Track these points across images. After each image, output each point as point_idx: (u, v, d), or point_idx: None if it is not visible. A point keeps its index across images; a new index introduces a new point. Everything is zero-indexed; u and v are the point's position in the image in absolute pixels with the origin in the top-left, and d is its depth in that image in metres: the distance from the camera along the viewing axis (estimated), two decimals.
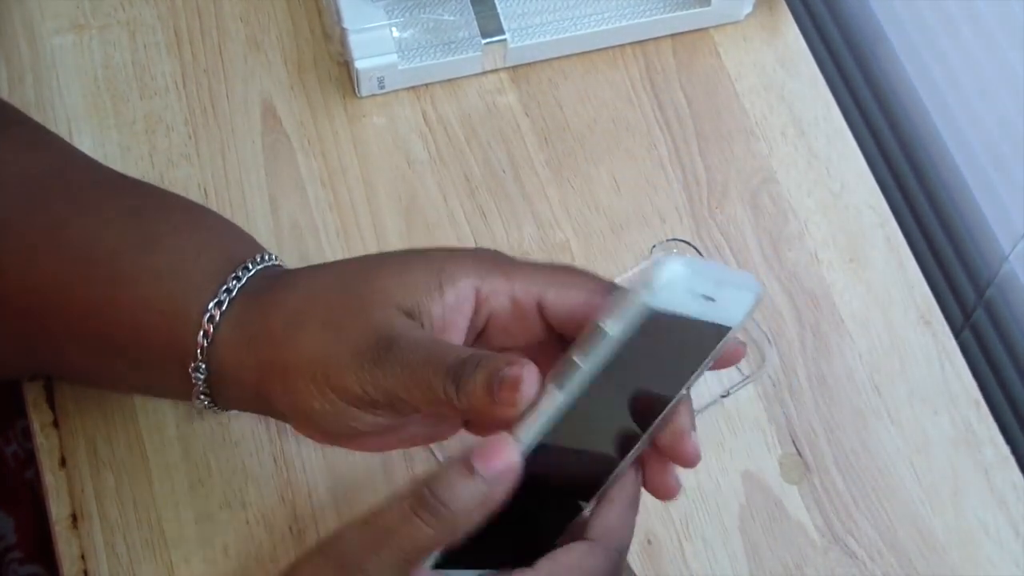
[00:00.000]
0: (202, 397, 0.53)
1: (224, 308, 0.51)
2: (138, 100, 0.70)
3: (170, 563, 0.59)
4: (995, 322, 0.72)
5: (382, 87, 0.70)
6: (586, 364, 0.45)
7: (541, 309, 0.48)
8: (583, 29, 0.71)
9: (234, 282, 0.51)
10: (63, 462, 0.61)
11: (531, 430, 0.45)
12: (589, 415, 0.46)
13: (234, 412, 0.62)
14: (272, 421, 0.62)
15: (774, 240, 0.68)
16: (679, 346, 0.48)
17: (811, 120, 0.71)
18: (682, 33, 0.73)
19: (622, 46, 0.73)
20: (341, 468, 0.61)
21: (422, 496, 0.43)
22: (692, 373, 0.48)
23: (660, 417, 0.48)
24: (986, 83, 0.70)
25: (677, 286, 0.45)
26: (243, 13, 0.73)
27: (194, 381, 0.52)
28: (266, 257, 0.53)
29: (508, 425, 0.45)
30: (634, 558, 0.60)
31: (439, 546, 0.44)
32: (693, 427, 0.48)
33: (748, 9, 0.73)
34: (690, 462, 0.48)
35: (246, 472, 0.61)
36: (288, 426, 0.61)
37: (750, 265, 0.67)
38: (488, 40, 0.70)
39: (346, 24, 0.68)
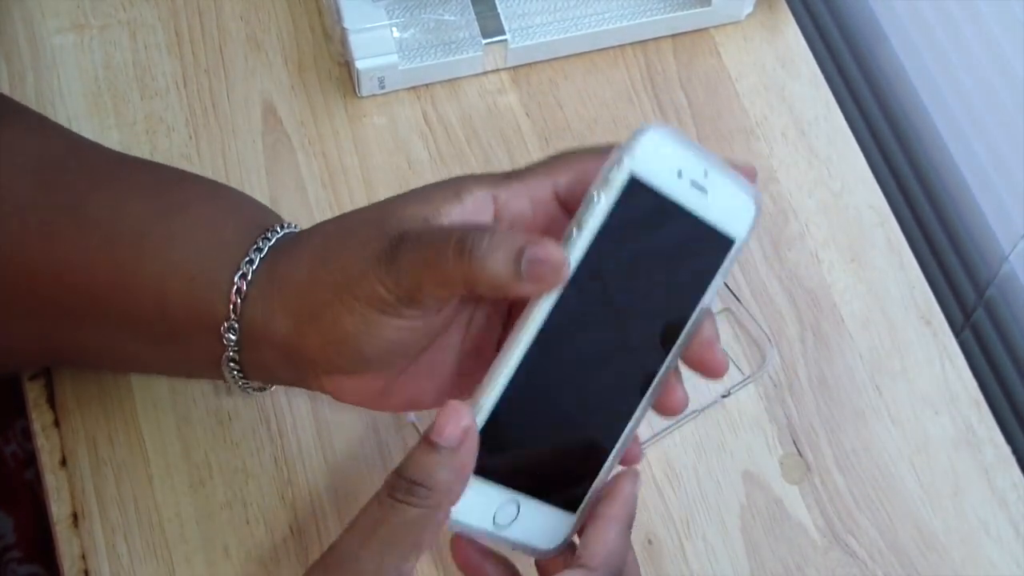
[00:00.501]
0: (232, 365, 0.52)
1: (255, 266, 0.51)
2: (139, 100, 0.70)
3: (171, 563, 0.59)
4: (995, 322, 0.72)
5: (383, 87, 0.70)
6: (581, 229, 0.45)
7: (559, 200, 0.48)
8: (584, 29, 0.71)
9: (263, 242, 0.51)
10: (64, 462, 0.61)
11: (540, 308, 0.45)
12: (599, 305, 0.47)
13: (234, 412, 0.62)
14: (273, 421, 0.62)
15: (775, 240, 0.68)
16: (680, 244, 0.48)
17: (812, 120, 0.71)
18: (683, 33, 0.73)
19: (623, 46, 0.73)
20: (342, 468, 0.61)
21: (395, 482, 0.44)
22: (703, 285, 0.48)
23: (681, 337, 0.48)
24: (986, 83, 0.70)
25: (660, 153, 0.46)
26: (244, 13, 0.73)
27: (225, 343, 0.51)
28: (290, 225, 0.54)
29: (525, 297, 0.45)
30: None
31: (433, 524, 0.45)
32: (717, 338, 0.49)
33: (749, 9, 0.73)
34: (718, 371, 0.49)
35: (247, 472, 0.61)
36: (289, 427, 0.61)
37: (751, 265, 0.67)
38: (489, 40, 0.70)
39: (347, 24, 0.68)
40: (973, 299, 0.73)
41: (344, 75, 0.71)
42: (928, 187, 0.76)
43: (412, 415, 0.62)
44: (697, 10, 0.72)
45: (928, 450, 0.63)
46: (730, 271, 0.50)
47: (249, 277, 0.51)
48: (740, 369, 0.64)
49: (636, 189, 0.45)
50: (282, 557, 0.59)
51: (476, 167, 0.69)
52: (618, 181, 0.45)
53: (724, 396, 0.63)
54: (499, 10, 0.71)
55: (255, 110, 0.70)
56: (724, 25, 0.74)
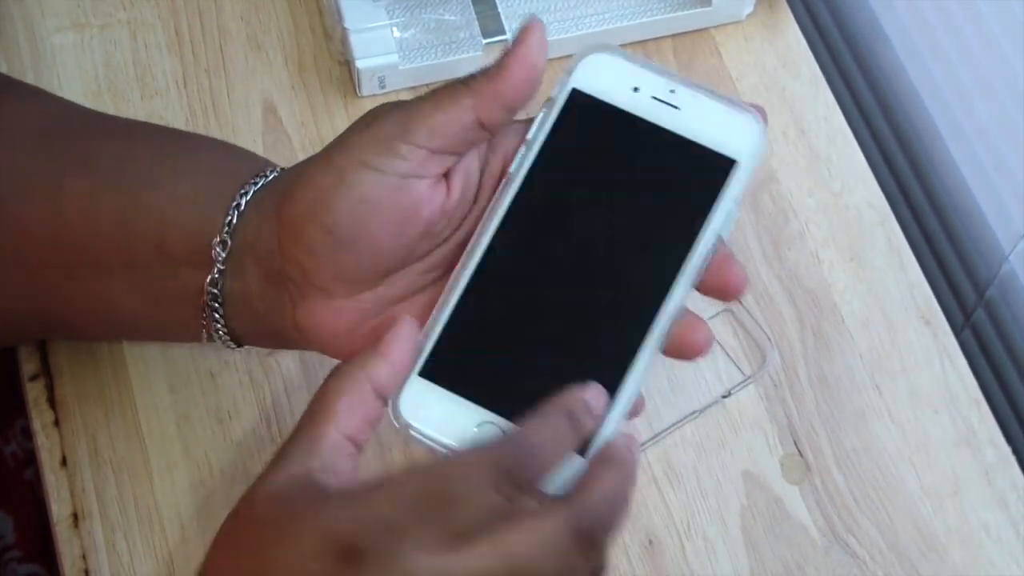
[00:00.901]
0: (213, 292, 0.50)
1: (256, 187, 0.51)
2: (139, 99, 0.70)
3: (171, 562, 0.59)
4: (995, 322, 0.72)
5: (383, 87, 0.70)
6: (526, 149, 0.46)
7: None
8: (584, 29, 0.71)
9: (261, 179, 0.51)
10: (64, 461, 0.61)
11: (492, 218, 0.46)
12: (565, 219, 0.46)
13: (234, 412, 0.62)
14: (273, 420, 0.62)
15: (775, 240, 0.68)
16: (661, 164, 0.46)
17: (812, 120, 0.71)
18: (683, 33, 0.73)
19: (623, 46, 0.73)
20: None
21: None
22: (703, 209, 0.46)
23: (687, 266, 0.46)
24: (986, 83, 0.70)
25: (605, 69, 0.47)
26: (244, 12, 0.73)
27: (213, 257, 0.50)
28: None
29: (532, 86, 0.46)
30: (635, 557, 0.60)
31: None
32: (732, 256, 0.47)
33: (749, 9, 0.73)
34: (737, 288, 0.47)
35: (247, 472, 0.61)
36: (290, 426, 0.61)
37: (751, 265, 0.67)
38: (489, 40, 0.70)
39: (347, 24, 0.68)
40: (973, 299, 0.73)
41: (344, 75, 0.71)
42: (928, 187, 0.76)
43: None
44: (697, 10, 0.72)
45: (928, 450, 0.63)
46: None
47: (248, 197, 0.50)
48: (740, 369, 0.64)
49: (584, 103, 0.46)
50: None
51: None
52: (561, 97, 0.46)
53: (724, 396, 0.63)
54: (499, 10, 0.71)
55: (255, 110, 0.70)
56: (724, 25, 0.74)
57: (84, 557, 0.59)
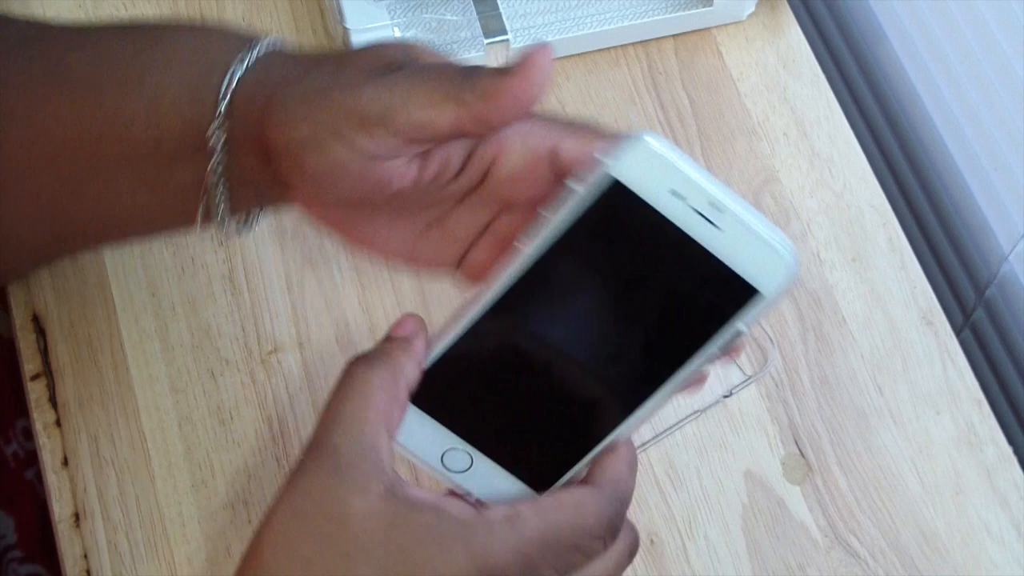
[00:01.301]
0: (219, 170, 0.51)
1: (245, 63, 0.50)
2: None
3: (173, 563, 0.59)
4: (995, 322, 0.72)
5: None
6: (549, 215, 0.44)
7: (554, 159, 0.47)
8: (585, 29, 0.71)
9: (253, 48, 0.51)
10: (65, 461, 0.61)
11: (503, 279, 0.45)
12: (571, 292, 0.46)
13: (236, 412, 0.62)
14: (275, 421, 0.62)
15: None
16: (676, 271, 0.45)
17: (813, 120, 0.71)
18: (684, 33, 0.73)
19: (624, 46, 0.73)
20: None
21: (354, 358, 0.46)
22: (712, 330, 0.45)
23: (677, 372, 0.46)
24: (986, 83, 0.70)
25: (650, 164, 0.43)
26: (245, 13, 0.73)
27: (211, 147, 0.50)
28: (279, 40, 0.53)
29: (525, 108, 0.45)
30: (637, 557, 0.60)
31: (392, 389, 0.46)
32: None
33: (750, 9, 0.73)
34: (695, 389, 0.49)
35: (248, 472, 0.61)
36: (291, 427, 0.61)
37: None
38: (491, 40, 0.70)
39: (348, 24, 0.68)
40: (973, 299, 0.74)
41: None
42: (928, 187, 0.77)
43: None
44: (699, 10, 0.72)
45: (930, 450, 0.63)
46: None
47: (239, 74, 0.50)
48: (742, 369, 0.64)
49: (617, 192, 0.44)
50: None
51: None
52: (595, 181, 0.44)
53: (726, 396, 0.63)
54: (501, 10, 0.71)
55: None
56: (726, 25, 0.74)
57: (86, 557, 0.59)
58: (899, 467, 0.62)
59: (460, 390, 0.48)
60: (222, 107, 0.50)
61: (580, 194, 0.44)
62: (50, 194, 0.54)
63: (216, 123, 0.50)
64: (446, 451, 0.49)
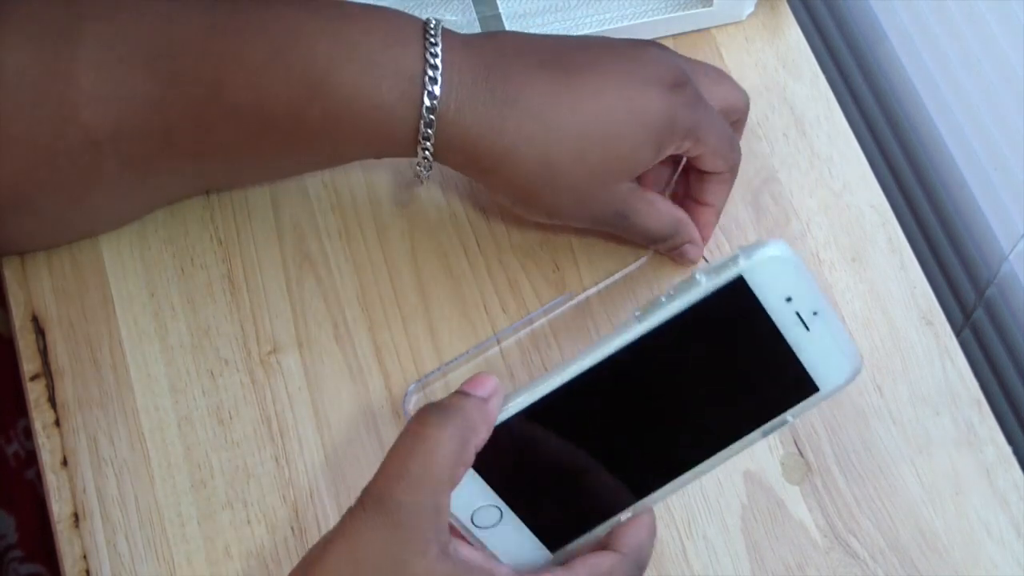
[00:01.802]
0: (425, 151, 0.57)
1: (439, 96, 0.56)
2: None
3: (172, 563, 0.59)
4: (995, 322, 0.72)
5: None
6: (668, 301, 0.48)
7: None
8: (585, 30, 0.71)
9: (432, 42, 0.56)
10: (65, 462, 0.61)
11: (607, 346, 0.48)
12: (661, 372, 0.49)
13: (235, 412, 0.62)
14: (274, 421, 0.62)
15: None
16: (764, 365, 0.49)
17: (813, 120, 0.71)
18: (684, 33, 0.73)
19: None
20: (343, 468, 0.61)
21: (425, 411, 0.48)
22: (767, 415, 0.50)
23: (717, 455, 0.51)
24: (986, 83, 0.70)
25: (775, 271, 0.47)
26: None
27: (421, 150, 0.57)
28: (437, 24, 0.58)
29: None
30: None
31: (462, 453, 0.47)
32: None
33: (750, 9, 0.73)
34: None
35: (248, 472, 0.61)
36: (290, 426, 0.62)
37: None
38: None
39: None
40: (973, 299, 0.73)
41: None
42: (928, 187, 0.77)
43: (410, 407, 0.62)
44: (698, 10, 0.72)
45: (929, 450, 0.63)
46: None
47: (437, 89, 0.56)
48: None
49: (740, 290, 0.47)
50: (283, 557, 0.59)
51: None
52: (726, 274, 0.47)
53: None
54: (500, 10, 0.71)
55: None
56: (725, 25, 0.74)
57: (85, 557, 0.59)
58: (898, 467, 0.62)
59: (516, 452, 0.50)
60: (426, 153, 0.58)
61: (705, 286, 0.47)
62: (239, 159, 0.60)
63: (422, 165, 0.58)
64: (480, 507, 0.50)
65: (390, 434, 0.62)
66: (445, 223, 0.67)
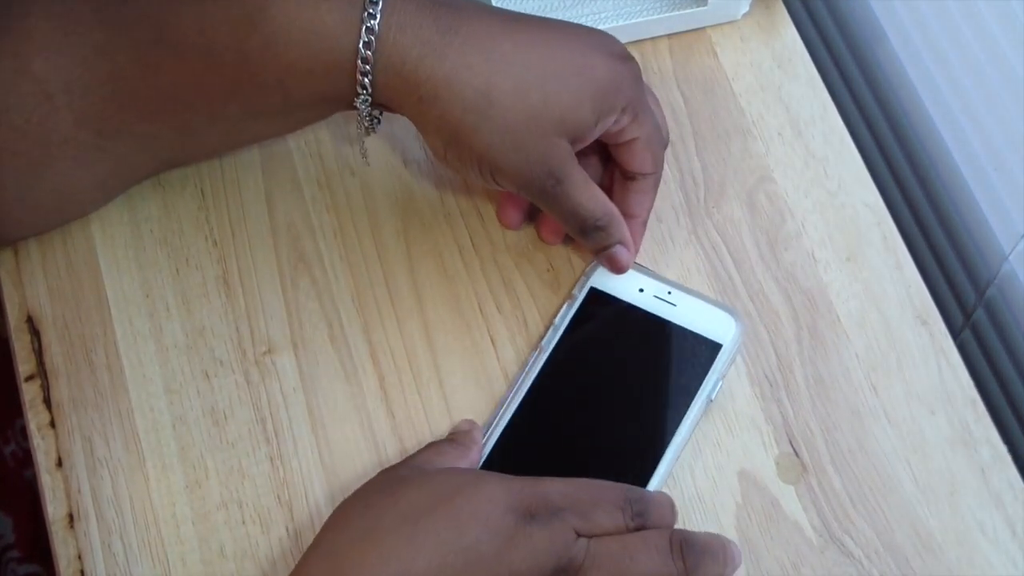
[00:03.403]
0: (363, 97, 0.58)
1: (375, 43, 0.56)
2: None
3: (167, 563, 0.59)
4: (995, 322, 0.72)
5: None
6: (560, 321, 0.62)
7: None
8: None
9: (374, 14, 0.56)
10: (59, 462, 0.61)
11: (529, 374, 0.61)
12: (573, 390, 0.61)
13: (230, 413, 0.62)
14: (268, 421, 0.62)
15: (771, 240, 0.67)
16: (662, 345, 0.61)
17: (808, 120, 0.71)
18: (679, 33, 0.73)
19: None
20: (337, 469, 0.61)
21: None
22: (699, 381, 0.60)
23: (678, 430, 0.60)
24: (986, 83, 0.70)
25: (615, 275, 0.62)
26: None
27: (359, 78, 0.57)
28: None
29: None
30: None
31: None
32: None
33: (745, 9, 0.73)
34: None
35: (243, 473, 0.61)
36: (284, 427, 0.62)
37: (747, 264, 0.67)
38: None
39: None
40: (973, 299, 0.73)
41: None
42: (928, 187, 0.76)
43: None
44: (693, 10, 0.72)
45: (924, 450, 0.62)
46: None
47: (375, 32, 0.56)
48: (736, 368, 0.64)
49: (599, 298, 0.62)
50: (278, 558, 0.59)
51: None
52: (582, 293, 0.63)
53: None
54: None
55: None
56: (720, 25, 0.74)
57: (80, 558, 0.59)
58: (894, 467, 0.62)
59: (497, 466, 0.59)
60: (366, 79, 0.57)
61: (574, 303, 0.62)
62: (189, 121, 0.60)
63: (362, 95, 0.58)
64: None
65: (384, 435, 0.62)
66: (440, 223, 0.67)
